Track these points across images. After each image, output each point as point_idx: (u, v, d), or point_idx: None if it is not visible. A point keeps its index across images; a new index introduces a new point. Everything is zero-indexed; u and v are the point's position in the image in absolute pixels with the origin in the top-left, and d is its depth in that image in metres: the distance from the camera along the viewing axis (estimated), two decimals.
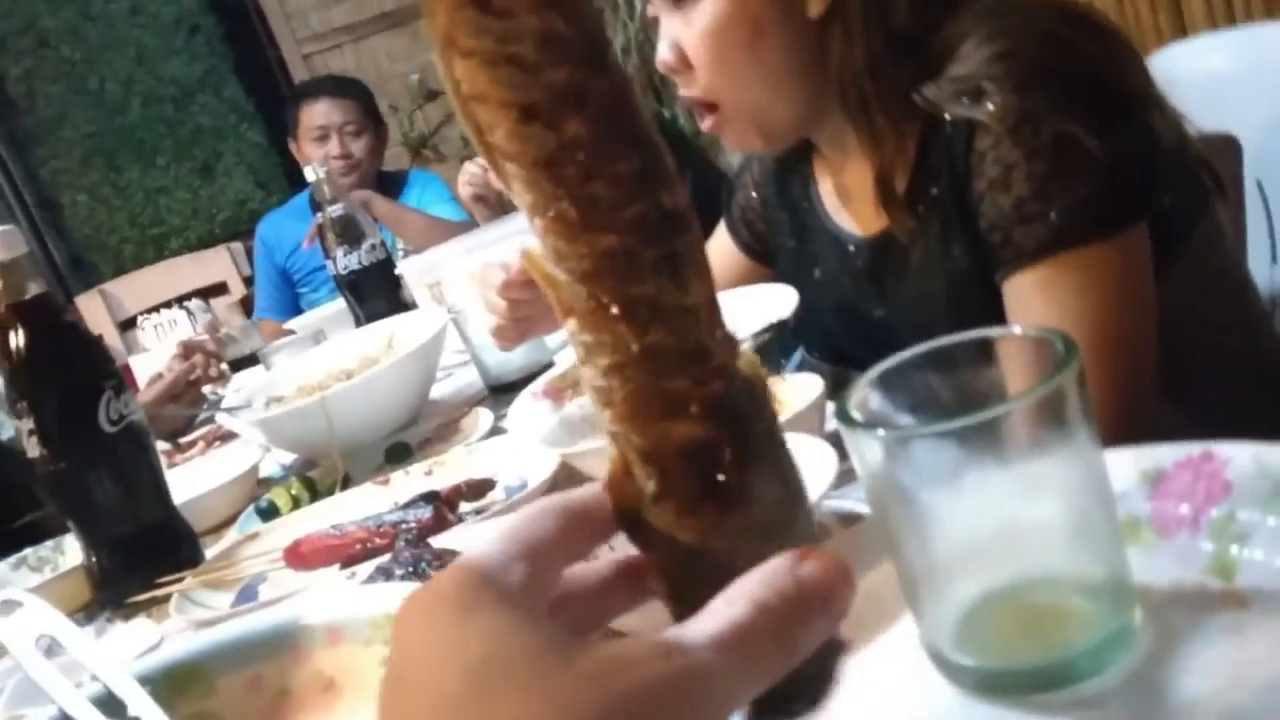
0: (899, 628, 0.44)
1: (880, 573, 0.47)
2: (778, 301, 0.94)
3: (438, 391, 1.23)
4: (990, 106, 0.79)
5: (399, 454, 1.06)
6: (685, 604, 0.30)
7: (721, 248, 1.16)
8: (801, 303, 0.94)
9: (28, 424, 0.87)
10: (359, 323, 1.66)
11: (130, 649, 0.77)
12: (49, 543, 1.07)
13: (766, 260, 1.14)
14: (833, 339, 1.02)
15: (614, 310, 0.28)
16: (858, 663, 0.43)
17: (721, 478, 0.29)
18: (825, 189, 1.00)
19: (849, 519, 0.57)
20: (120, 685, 0.47)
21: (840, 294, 0.98)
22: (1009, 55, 0.80)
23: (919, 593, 0.41)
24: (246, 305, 3.45)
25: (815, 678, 0.34)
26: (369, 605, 0.47)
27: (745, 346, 0.82)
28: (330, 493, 0.99)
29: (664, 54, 0.91)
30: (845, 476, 0.56)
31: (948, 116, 0.82)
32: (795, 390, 0.67)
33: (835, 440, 0.56)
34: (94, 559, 0.89)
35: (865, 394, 0.42)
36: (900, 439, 0.39)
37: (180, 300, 3.44)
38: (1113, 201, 0.79)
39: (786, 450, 0.31)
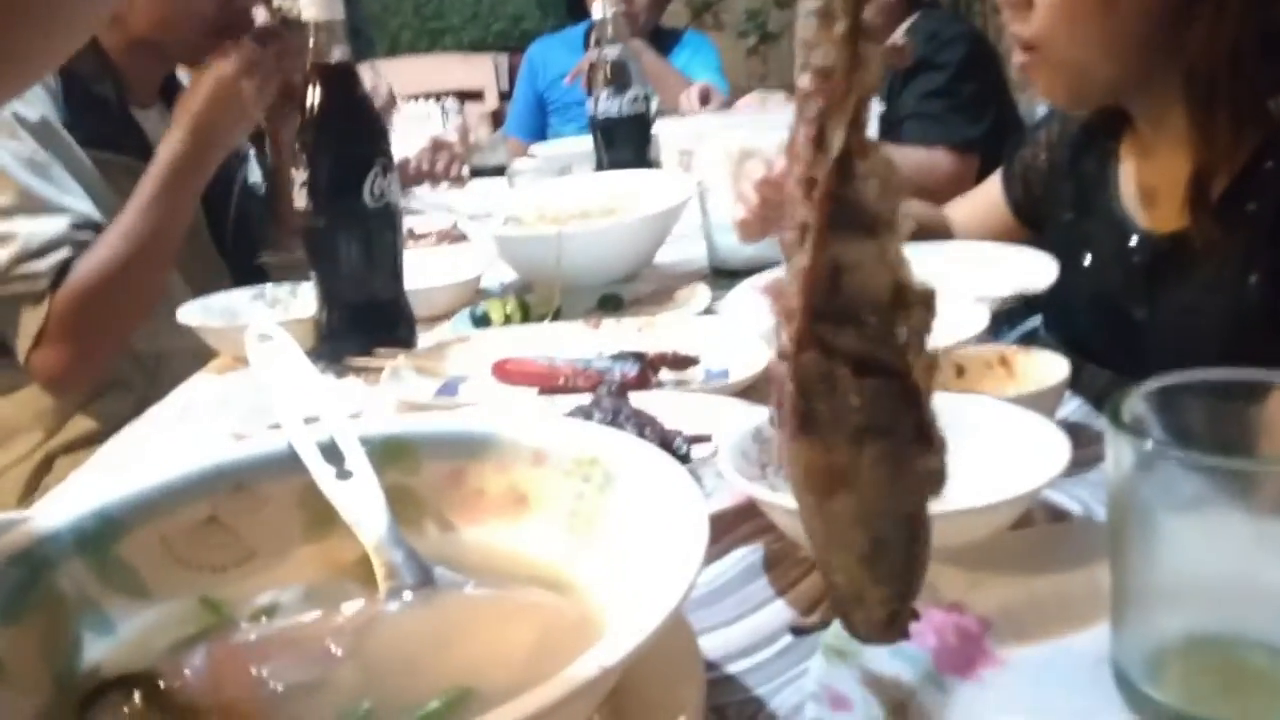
0: (1087, 636, 0.43)
1: (1076, 575, 0.45)
2: (1036, 271, 0.89)
3: (662, 256, 1.24)
4: None
5: (611, 304, 1.08)
6: None
7: (990, 197, 1.11)
8: (1058, 280, 0.89)
9: (302, 175, 0.92)
10: (600, 165, 1.69)
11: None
12: (287, 285, 1.16)
13: (1031, 225, 1.08)
14: (1077, 325, 0.97)
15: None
16: (1036, 655, 0.43)
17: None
18: (1126, 171, 0.93)
19: (1056, 514, 0.55)
20: (343, 438, 0.51)
21: (1104, 284, 0.92)
22: None
23: (1127, 611, 0.40)
24: (496, 118, 3.55)
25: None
26: (578, 442, 0.49)
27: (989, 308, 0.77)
28: (542, 319, 1.02)
29: None
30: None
31: None
32: (1036, 366, 0.64)
33: (1066, 428, 0.54)
34: (326, 314, 0.96)
35: (1138, 400, 0.40)
36: (1165, 456, 0.37)
37: (439, 96, 3.57)
38: None
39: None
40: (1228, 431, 0.41)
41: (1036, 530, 0.51)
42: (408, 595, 0.45)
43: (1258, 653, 0.39)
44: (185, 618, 0.45)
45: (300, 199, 0.93)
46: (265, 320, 0.61)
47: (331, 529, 0.49)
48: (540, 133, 2.75)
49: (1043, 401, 0.58)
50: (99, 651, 0.43)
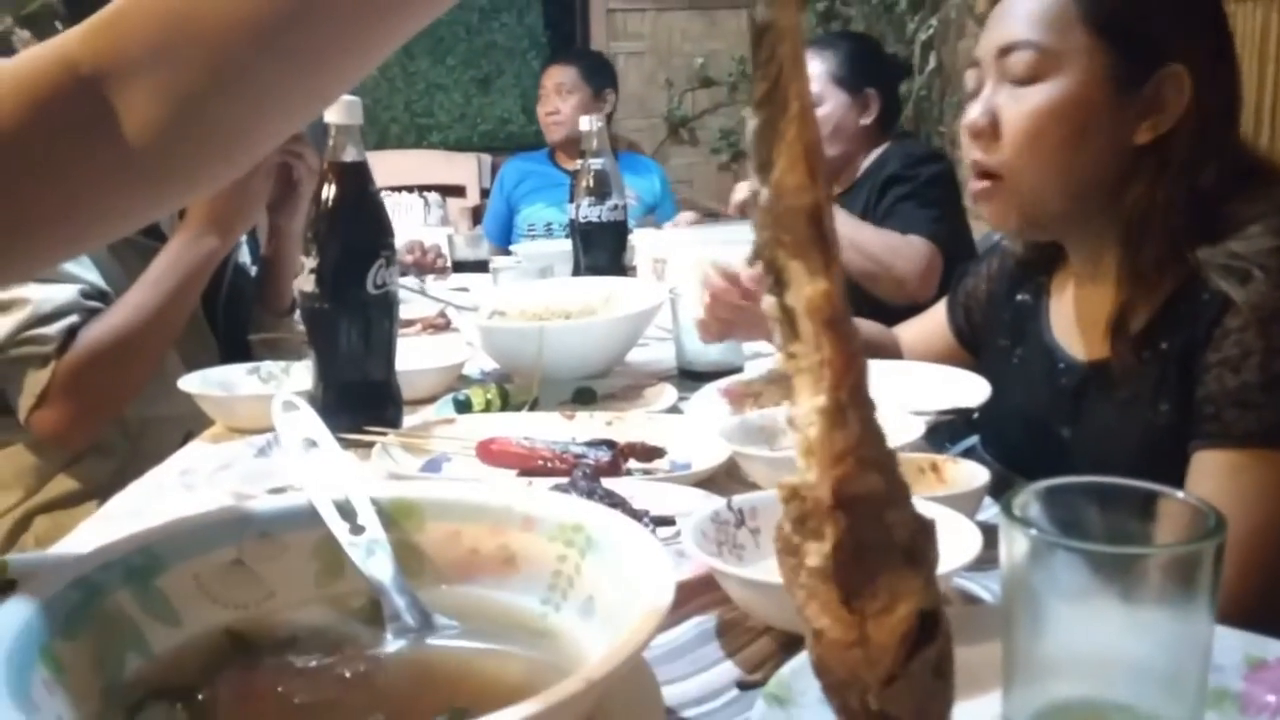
0: (984, 700, 0.50)
1: (981, 650, 0.53)
2: (970, 390, 0.99)
3: (634, 356, 1.33)
4: (1251, 293, 0.82)
5: (585, 397, 1.17)
6: None
7: (935, 321, 1.22)
8: (994, 401, 0.99)
9: (311, 262, 1.01)
10: (577, 268, 1.79)
11: None
12: (281, 363, 1.23)
13: (971, 350, 1.18)
14: (1010, 443, 1.06)
15: None
16: None
17: None
18: (1056, 304, 1.04)
19: (970, 599, 0.63)
20: (356, 497, 0.59)
21: (1035, 405, 1.02)
22: None
23: (1015, 676, 0.48)
24: (476, 213, 3.68)
25: None
26: (562, 511, 0.56)
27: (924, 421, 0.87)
28: (520, 408, 1.10)
29: (978, 117, 0.95)
30: (982, 564, 0.62)
31: (1210, 283, 0.85)
32: (962, 474, 0.73)
33: (984, 529, 0.63)
34: (321, 391, 1.03)
35: (1030, 498, 0.48)
36: (1049, 544, 0.45)
37: (422, 189, 3.70)
38: None
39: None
40: (1105, 528, 0.49)
41: (950, 610, 0.59)
42: (410, 636, 0.52)
43: (1119, 714, 0.47)
44: (212, 646, 0.52)
45: (308, 283, 1.01)
46: (285, 391, 0.69)
47: (341, 577, 0.56)
48: (508, 236, 3.12)
49: (963, 503, 0.67)
50: (138, 670, 0.49)
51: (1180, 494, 0.48)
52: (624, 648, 0.41)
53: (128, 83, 0.50)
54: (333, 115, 1.01)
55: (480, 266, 2.17)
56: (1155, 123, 0.89)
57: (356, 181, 1.03)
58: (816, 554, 0.41)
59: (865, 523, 0.42)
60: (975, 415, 1.06)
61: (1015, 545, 0.46)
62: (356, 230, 1.02)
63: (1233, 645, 0.50)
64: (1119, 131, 0.90)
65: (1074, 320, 1.02)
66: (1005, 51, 0.93)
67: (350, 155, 1.03)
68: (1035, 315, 1.06)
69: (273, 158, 1.40)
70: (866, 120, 2.12)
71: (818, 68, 2.09)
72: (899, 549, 0.43)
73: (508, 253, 2.20)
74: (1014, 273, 1.11)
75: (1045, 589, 0.46)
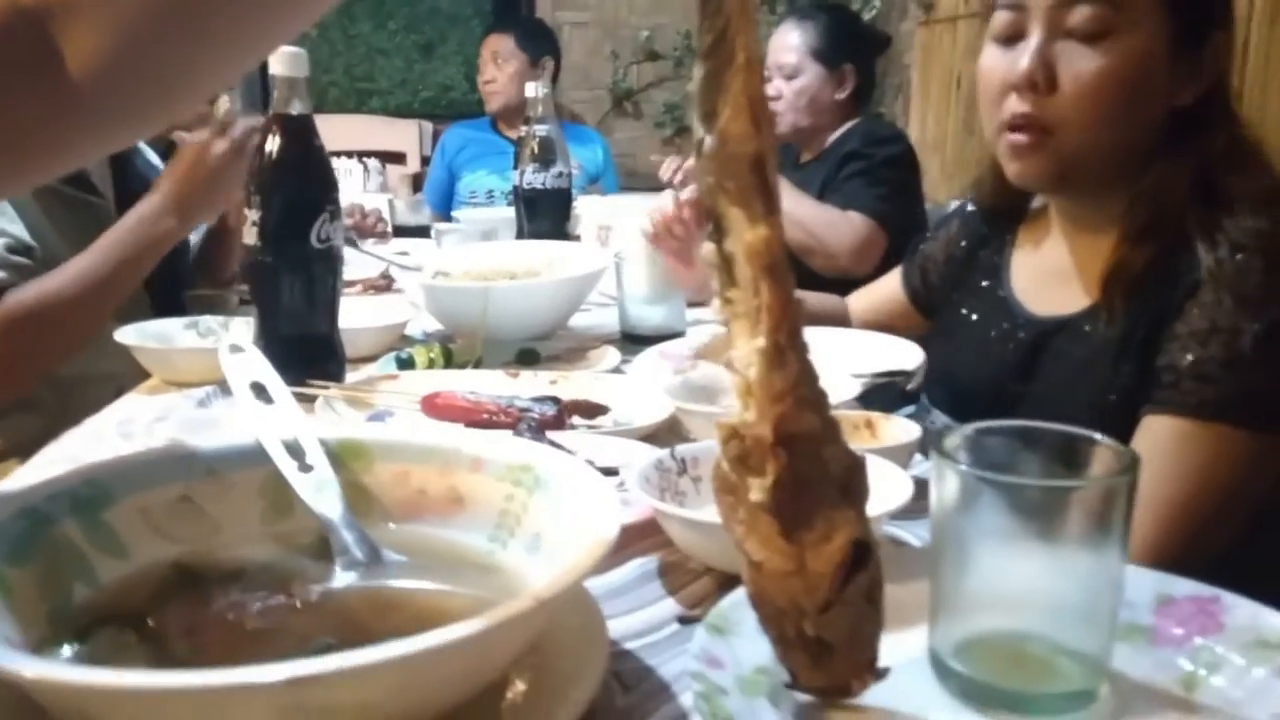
0: (911, 632, 0.53)
1: (910, 588, 0.56)
2: (906, 356, 1.02)
3: (577, 320, 1.34)
4: (1227, 270, 0.84)
5: (528, 358, 1.17)
6: None
7: (889, 287, 1.24)
8: (948, 358, 1.01)
9: (254, 215, 1.00)
10: (521, 233, 1.79)
11: None
12: (220, 318, 1.22)
13: (926, 312, 1.20)
14: (962, 401, 1.07)
15: None
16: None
17: None
18: (1017, 261, 1.06)
19: (898, 543, 0.66)
20: (305, 437, 0.59)
21: (991, 362, 1.03)
22: (1270, 236, 0.85)
23: (941, 610, 0.50)
24: (417, 180, 3.65)
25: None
26: (510, 452, 0.57)
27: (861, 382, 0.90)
28: (463, 367, 1.11)
29: (1034, 69, 0.91)
30: (912, 513, 0.65)
31: (1194, 254, 0.87)
32: (895, 429, 0.76)
33: (916, 483, 0.65)
34: (263, 345, 1.02)
35: (961, 440, 0.51)
36: (975, 480, 0.48)
37: (362, 155, 3.64)
38: None
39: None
40: (1032, 469, 0.52)
41: (881, 552, 0.62)
42: (360, 569, 0.53)
43: (1036, 642, 0.50)
44: (161, 577, 0.52)
45: (250, 236, 1.00)
46: (237, 335, 0.69)
47: (289, 515, 0.57)
48: (448, 203, 3.11)
49: (896, 455, 0.69)
50: (86, 598, 0.49)
51: (1101, 438, 0.51)
52: (571, 571, 0.42)
53: (73, 16, 0.49)
54: (277, 67, 1.01)
55: (421, 232, 2.16)
56: (1194, 88, 0.91)
57: (301, 135, 1.02)
58: (759, 489, 0.43)
59: (804, 459, 0.44)
60: (911, 384, 1.09)
61: (945, 483, 0.49)
62: (301, 184, 1.01)
63: (1144, 583, 0.53)
64: (1168, 91, 0.91)
65: (1035, 276, 1.03)
66: (1067, 3, 0.90)
67: (295, 108, 1.02)
68: (995, 273, 1.07)
69: (250, 148, 1.37)
70: (841, 95, 2.15)
71: (796, 40, 2.11)
72: (834, 483, 0.45)
73: (449, 219, 2.19)
74: (977, 231, 1.13)
75: (971, 527, 0.49)
